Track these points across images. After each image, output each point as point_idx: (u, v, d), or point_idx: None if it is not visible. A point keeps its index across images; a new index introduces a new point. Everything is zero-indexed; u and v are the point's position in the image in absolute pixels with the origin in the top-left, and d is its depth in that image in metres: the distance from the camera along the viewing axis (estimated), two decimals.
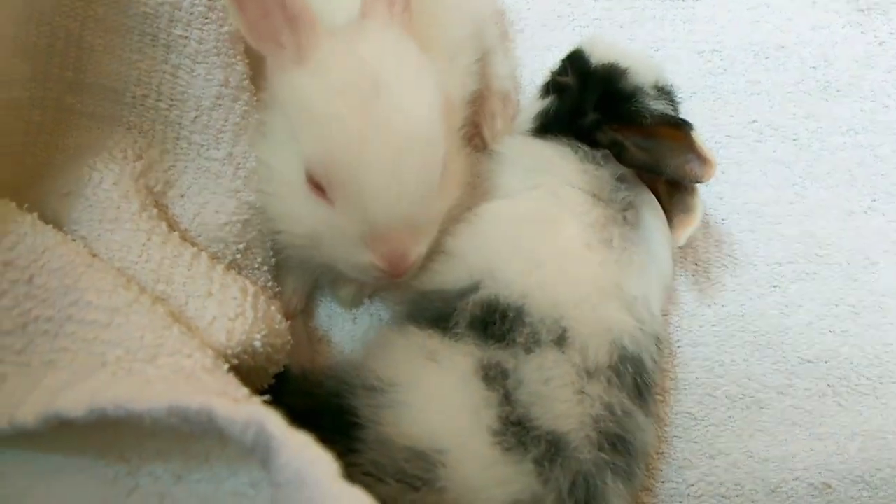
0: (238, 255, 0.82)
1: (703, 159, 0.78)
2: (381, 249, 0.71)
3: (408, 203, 0.70)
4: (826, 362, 0.92)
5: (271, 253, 0.86)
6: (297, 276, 0.89)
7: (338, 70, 0.71)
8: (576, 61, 0.96)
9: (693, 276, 0.98)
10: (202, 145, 0.81)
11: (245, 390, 0.57)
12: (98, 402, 0.48)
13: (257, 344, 0.71)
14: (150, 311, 0.64)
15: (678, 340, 0.93)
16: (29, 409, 0.53)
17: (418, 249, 0.73)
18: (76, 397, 0.50)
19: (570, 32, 1.17)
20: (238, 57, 0.77)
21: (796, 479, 0.83)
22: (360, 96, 0.69)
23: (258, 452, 0.45)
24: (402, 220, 0.71)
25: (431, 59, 0.76)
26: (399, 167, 0.69)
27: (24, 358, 0.61)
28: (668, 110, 0.91)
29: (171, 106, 0.80)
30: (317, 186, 0.71)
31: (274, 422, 0.46)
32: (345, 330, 0.92)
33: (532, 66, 1.15)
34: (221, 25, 0.75)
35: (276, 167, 0.76)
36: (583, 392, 0.71)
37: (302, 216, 0.73)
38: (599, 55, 0.95)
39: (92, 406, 0.48)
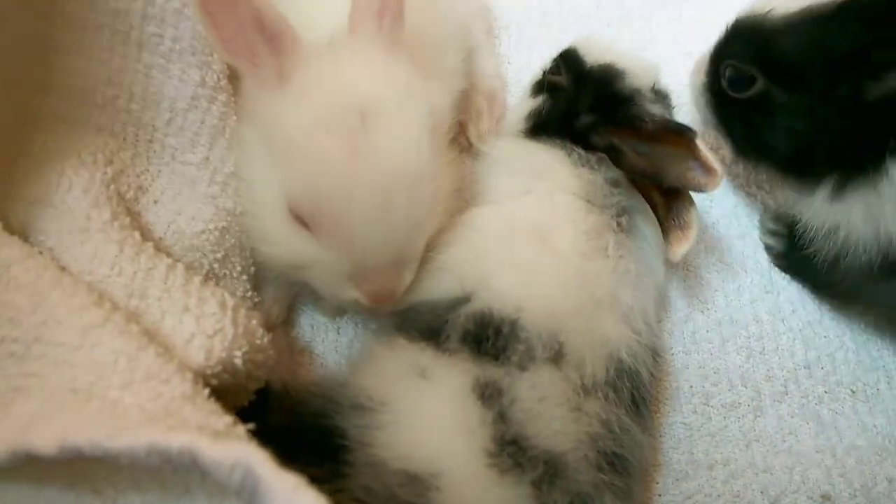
0: (216, 265, 0.79)
1: (707, 168, 0.76)
2: (366, 287, 0.70)
3: (395, 241, 0.68)
4: (822, 368, 0.90)
5: (251, 261, 0.82)
6: (278, 285, 0.85)
7: (322, 98, 0.66)
8: (570, 60, 0.93)
9: (685, 280, 0.96)
10: (177, 148, 0.77)
11: (228, 419, 0.54)
12: (72, 440, 0.44)
13: (238, 361, 0.68)
14: (123, 330, 0.60)
15: (672, 347, 0.91)
16: None
17: (405, 282, 0.71)
18: (48, 432, 0.46)
19: (556, 29, 1.15)
20: (215, 55, 0.73)
21: (796, 490, 0.81)
22: (346, 128, 0.64)
23: (245, 495, 0.42)
24: (390, 258, 0.69)
25: (421, 76, 0.72)
26: (387, 205, 0.65)
27: None
28: (666, 113, 0.89)
29: (143, 107, 0.76)
30: (299, 218, 0.67)
31: (261, 462, 0.42)
32: (328, 340, 0.88)
33: (518, 63, 1.12)
34: (197, 22, 0.71)
35: (255, 186, 0.72)
36: (580, 410, 0.68)
37: (283, 244, 0.70)
38: (595, 55, 0.92)
39: (65, 444, 0.44)
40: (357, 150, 0.64)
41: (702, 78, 0.90)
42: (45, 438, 0.45)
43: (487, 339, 0.70)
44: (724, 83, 0.85)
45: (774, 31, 0.78)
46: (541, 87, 0.94)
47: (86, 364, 0.56)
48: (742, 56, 0.82)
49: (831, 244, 0.81)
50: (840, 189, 0.77)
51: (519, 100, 1.00)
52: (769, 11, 0.79)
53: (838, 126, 0.76)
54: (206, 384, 0.63)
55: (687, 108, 0.95)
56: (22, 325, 0.60)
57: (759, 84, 0.80)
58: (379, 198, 0.65)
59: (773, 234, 0.98)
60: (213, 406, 0.56)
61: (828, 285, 0.91)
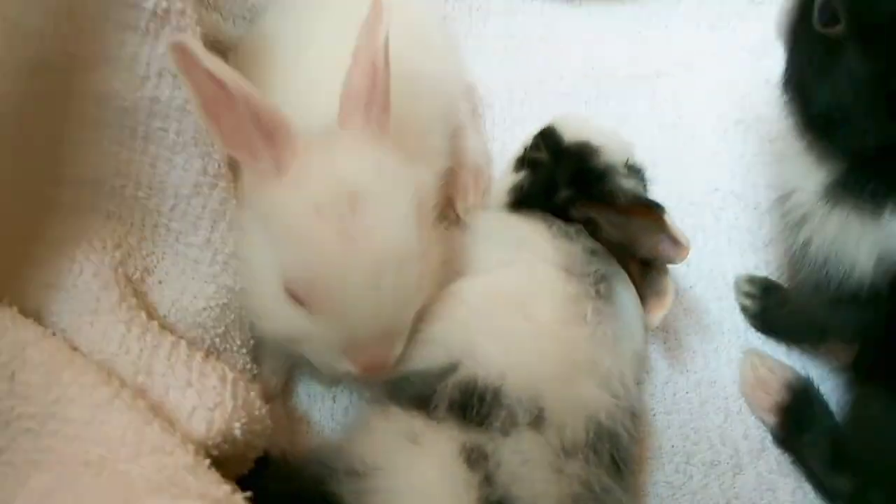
0: (217, 339, 0.84)
1: (675, 241, 0.81)
2: (359, 359, 0.74)
3: (386, 316, 0.73)
4: None
5: (250, 335, 0.87)
6: (276, 358, 0.90)
7: (315, 187, 0.71)
8: (549, 138, 0.99)
9: (665, 343, 1.00)
10: (180, 232, 0.83)
11: (227, 487, 0.58)
12: None
13: (237, 432, 0.72)
14: (130, 406, 0.64)
15: (653, 408, 0.94)
16: None
17: (395, 353, 0.75)
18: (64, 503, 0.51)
19: (537, 108, 1.21)
20: (215, 146, 0.79)
21: None
22: (338, 215, 0.69)
23: None
24: (380, 332, 0.73)
25: (407, 159, 0.78)
26: (377, 283, 0.70)
27: (7, 457, 0.62)
28: (640, 188, 0.94)
29: (149, 195, 0.82)
30: (295, 296, 0.72)
31: None
32: (325, 408, 0.92)
33: (502, 140, 1.19)
34: (199, 118, 0.77)
35: (253, 266, 0.77)
36: (561, 471, 0.72)
37: (280, 319, 0.74)
38: (572, 132, 0.98)
39: None
40: (347, 233, 0.69)
41: None
42: None
43: (472, 406, 0.73)
44: (814, 10, 0.75)
45: None
46: (522, 162, 1.00)
47: (97, 438, 0.61)
48: None
49: (825, 273, 0.79)
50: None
51: (503, 174, 1.06)
52: None
53: (881, 116, 0.71)
54: (208, 454, 0.67)
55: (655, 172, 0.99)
56: (37, 403, 0.64)
57: (841, 27, 0.72)
58: (369, 277, 0.70)
59: (748, 295, 1.03)
60: (214, 476, 0.60)
61: (798, 339, 0.95)
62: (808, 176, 0.80)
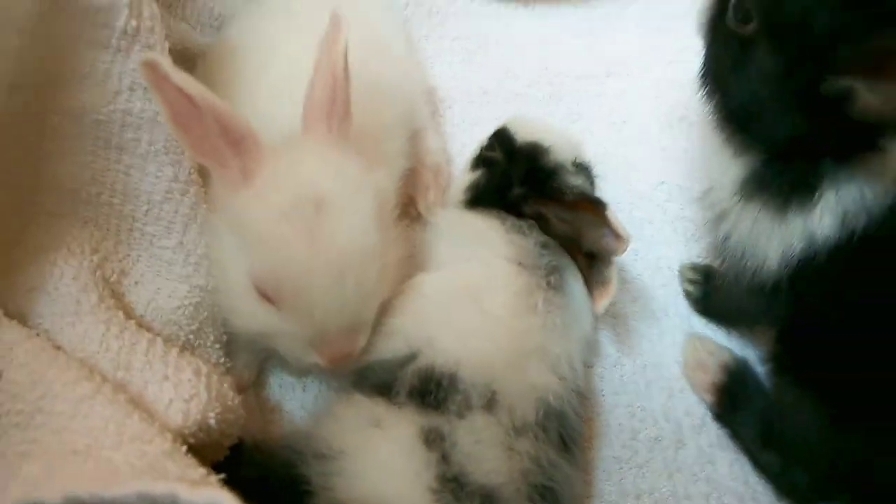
0: (191, 336, 0.89)
1: (617, 235, 0.87)
2: (325, 352, 0.79)
3: (349, 311, 0.78)
4: None
5: (222, 331, 0.92)
6: (248, 352, 0.95)
7: (281, 193, 0.76)
8: (502, 138, 1.05)
9: (614, 329, 1.07)
10: (154, 235, 0.88)
11: (202, 470, 0.64)
12: (74, 492, 0.54)
13: (212, 422, 0.77)
14: (112, 400, 0.70)
15: (602, 390, 1.01)
16: (9, 499, 0.58)
17: (359, 345, 0.81)
18: (53, 487, 0.56)
19: (494, 107, 1.27)
20: (185, 154, 0.83)
21: None
22: (303, 219, 0.75)
23: None
24: (345, 326, 0.79)
25: (368, 164, 0.83)
26: (340, 281, 0.76)
27: None
28: (587, 184, 1.01)
29: (124, 201, 0.86)
30: (264, 295, 0.77)
31: (232, 500, 0.52)
32: (295, 398, 0.98)
33: (461, 140, 1.24)
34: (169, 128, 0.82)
35: (224, 267, 0.82)
36: (512, 449, 0.78)
37: (251, 316, 0.80)
38: (524, 133, 1.04)
39: (68, 495, 0.54)
40: (312, 236, 0.74)
41: None
42: (52, 491, 0.55)
43: (430, 392, 0.80)
44: (729, 9, 0.79)
45: None
46: (478, 162, 1.06)
47: (81, 430, 0.66)
48: None
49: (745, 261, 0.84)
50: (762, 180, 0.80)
51: (461, 173, 1.13)
52: None
53: (790, 109, 0.75)
54: (185, 442, 0.73)
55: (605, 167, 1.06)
56: (24, 399, 0.69)
57: (753, 25, 0.76)
58: (333, 276, 0.75)
59: (691, 281, 1.10)
60: (190, 461, 0.66)
61: (733, 323, 1.03)
62: (726, 172, 0.85)
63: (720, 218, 0.87)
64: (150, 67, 0.72)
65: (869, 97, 0.68)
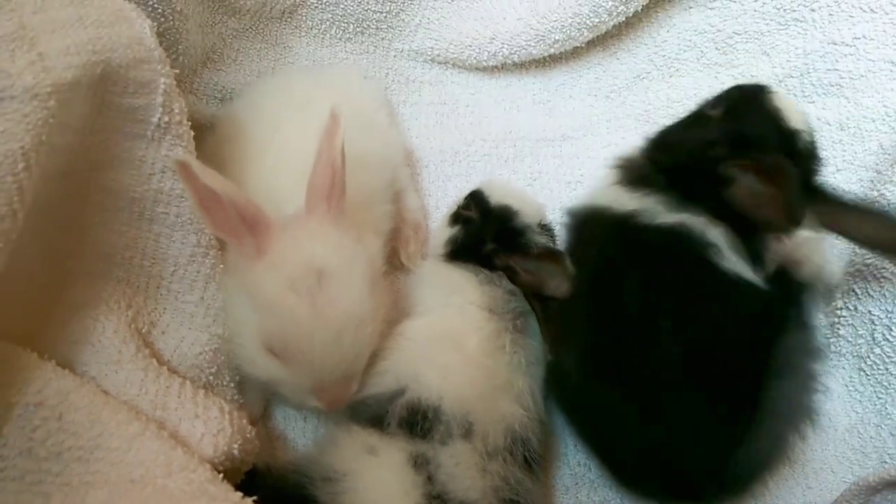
0: (211, 377, 1.02)
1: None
2: (324, 398, 0.93)
3: (345, 365, 0.92)
4: None
5: (236, 372, 1.06)
6: (256, 390, 1.09)
7: (289, 267, 0.88)
8: (478, 199, 1.21)
9: None
10: (179, 292, 1.01)
11: (239, 494, 0.78)
12: None
13: (235, 452, 0.91)
14: (158, 436, 0.84)
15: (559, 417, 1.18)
16: None
17: (352, 390, 0.95)
18: None
19: (465, 166, 1.43)
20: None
21: None
22: (308, 289, 0.87)
23: None
24: (341, 376, 0.93)
25: (359, 232, 0.98)
26: (339, 341, 0.89)
27: (64, 479, 0.80)
28: (549, 242, 1.17)
29: (153, 263, 0.99)
30: (272, 351, 0.90)
31: None
32: (298, 428, 1.12)
33: (436, 195, 1.40)
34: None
35: (238, 322, 0.95)
36: (485, 470, 0.94)
37: (260, 367, 0.93)
38: (497, 196, 1.20)
39: None
40: (315, 303, 0.87)
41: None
42: None
43: (417, 423, 0.94)
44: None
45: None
46: (456, 219, 1.21)
47: (136, 462, 0.79)
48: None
49: None
50: None
51: (439, 224, 1.27)
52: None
53: None
54: (215, 470, 0.87)
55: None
56: (83, 437, 0.82)
57: None
58: (332, 337, 0.88)
59: None
60: (228, 486, 0.80)
61: None
62: None
63: None
64: (183, 167, 0.86)
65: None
